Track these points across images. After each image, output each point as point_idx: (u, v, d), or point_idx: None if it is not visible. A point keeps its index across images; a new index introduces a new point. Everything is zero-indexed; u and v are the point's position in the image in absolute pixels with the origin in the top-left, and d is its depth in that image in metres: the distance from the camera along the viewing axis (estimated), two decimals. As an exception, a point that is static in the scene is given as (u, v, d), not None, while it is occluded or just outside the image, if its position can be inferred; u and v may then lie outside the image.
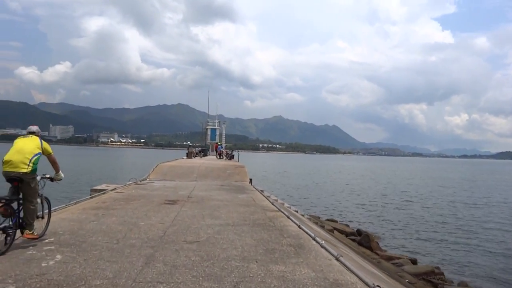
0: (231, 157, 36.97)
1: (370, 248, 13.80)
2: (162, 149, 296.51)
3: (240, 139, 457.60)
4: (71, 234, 6.39)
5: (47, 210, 6.43)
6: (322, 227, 14.94)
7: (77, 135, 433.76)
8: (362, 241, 14.39)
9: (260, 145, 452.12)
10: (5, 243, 5.17)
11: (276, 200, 14.65)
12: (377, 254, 13.24)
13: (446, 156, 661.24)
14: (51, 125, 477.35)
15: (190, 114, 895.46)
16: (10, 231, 5.25)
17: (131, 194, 12.15)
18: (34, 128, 6.06)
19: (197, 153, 41.11)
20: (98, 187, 15.50)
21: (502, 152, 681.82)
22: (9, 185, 5.55)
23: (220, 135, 51.87)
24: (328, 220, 20.03)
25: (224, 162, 29.65)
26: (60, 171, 6.39)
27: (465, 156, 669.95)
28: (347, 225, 19.63)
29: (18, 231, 5.52)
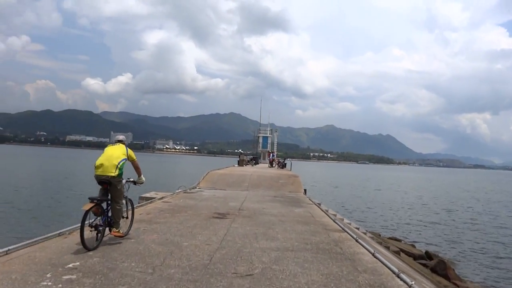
0: (283, 165, 35.93)
1: (446, 277, 11.81)
2: (214, 156, 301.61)
3: (291, 148, 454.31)
4: (102, 258, 5.38)
5: (131, 211, 7.19)
6: (387, 247, 13.17)
7: (135, 142, 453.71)
8: (437, 268, 12.39)
9: (311, 154, 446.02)
10: (96, 239, 5.89)
11: (335, 215, 13.15)
12: (456, 285, 11.27)
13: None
14: (112, 132, 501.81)
15: (242, 122, 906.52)
16: (100, 229, 5.99)
17: (178, 205, 11.26)
18: (121, 137, 6.88)
19: (248, 161, 40.22)
20: (147, 195, 14.89)
21: None
22: (99, 187, 6.27)
23: (272, 143, 51.20)
24: (390, 238, 18.03)
25: (276, 170, 28.65)
26: (142, 176, 7.15)
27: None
28: (413, 245, 17.48)
29: (107, 229, 6.28)
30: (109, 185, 6.24)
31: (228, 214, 9.79)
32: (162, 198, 13.06)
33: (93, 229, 5.83)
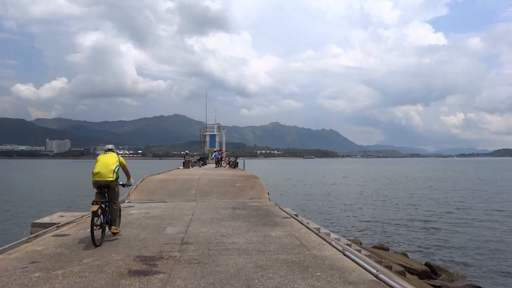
0: (235, 165, 32.10)
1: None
2: (160, 159, 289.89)
3: (238, 147, 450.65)
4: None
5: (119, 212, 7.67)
6: (389, 267, 9.62)
7: (73, 149, 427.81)
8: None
9: (258, 152, 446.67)
10: (101, 236, 6.74)
11: (319, 230, 9.33)
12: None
13: (444, 156, 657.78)
14: (47, 140, 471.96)
15: (187, 124, 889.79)
16: (104, 226, 6.96)
17: (73, 243, 6.73)
18: (111, 146, 7.85)
19: (195, 162, 36.53)
20: (46, 219, 10.12)
21: (499, 150, 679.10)
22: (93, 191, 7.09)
23: (220, 142, 47.65)
24: (375, 247, 14.63)
25: (229, 171, 24.64)
26: (131, 179, 8.16)
27: (463, 155, 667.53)
28: (405, 255, 14.19)
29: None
30: (107, 189, 7.13)
31: (160, 260, 5.48)
32: (62, 225, 8.45)
33: (98, 227, 6.68)
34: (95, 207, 6.59)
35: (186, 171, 25.54)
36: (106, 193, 7.11)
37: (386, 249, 14.69)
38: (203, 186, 14.84)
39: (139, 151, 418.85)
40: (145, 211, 10.45)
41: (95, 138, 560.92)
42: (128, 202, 12.57)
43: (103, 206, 6.96)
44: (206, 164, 38.57)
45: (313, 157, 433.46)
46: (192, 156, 39.77)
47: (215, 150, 38.94)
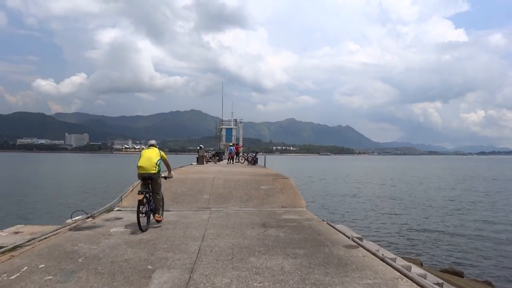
0: (254, 161, 28.37)
1: None
2: (176, 154, 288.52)
3: (253, 142, 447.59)
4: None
5: (162, 201, 8.32)
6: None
7: (91, 143, 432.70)
8: None
9: (274, 148, 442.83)
10: (146, 223, 7.41)
11: (409, 268, 5.82)
12: None
13: (463, 154, 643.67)
14: (66, 134, 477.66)
15: (203, 119, 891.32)
16: (149, 213, 7.60)
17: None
18: (153, 141, 8.50)
19: (210, 158, 33.28)
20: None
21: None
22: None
23: (237, 136, 44.88)
24: (447, 272, 11.03)
25: (249, 168, 21.24)
26: (172, 171, 9.00)
27: (482, 153, 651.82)
28: (490, 284, 10.56)
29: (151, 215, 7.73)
30: (151, 180, 7.69)
31: None
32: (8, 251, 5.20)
33: (143, 215, 7.31)
34: (140, 196, 7.25)
35: (199, 167, 22.49)
36: (150, 184, 7.70)
37: (460, 275, 11.11)
38: (218, 189, 11.52)
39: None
40: (133, 229, 7.18)
41: (112, 133, 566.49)
42: (118, 210, 9.37)
43: (147, 196, 7.51)
44: (222, 160, 35.95)
45: (329, 153, 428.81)
46: (207, 151, 36.84)
47: (230, 144, 36.36)
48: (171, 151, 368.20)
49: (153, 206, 7.76)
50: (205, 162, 29.34)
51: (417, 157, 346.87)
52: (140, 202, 7.14)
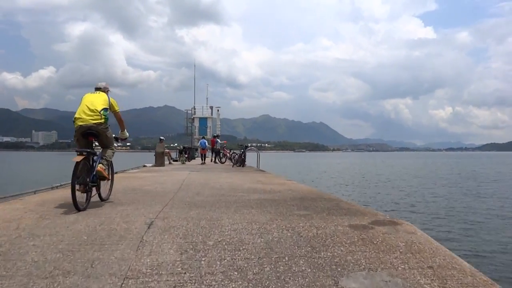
0: (242, 161, 19.12)
1: None
2: (149, 151, 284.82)
3: (228, 139, 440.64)
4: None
5: (111, 174, 6.30)
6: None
7: (60, 141, 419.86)
8: None
9: (249, 145, 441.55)
10: (86, 199, 5.28)
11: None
12: None
13: (433, 150, 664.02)
14: (33, 131, 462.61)
15: (177, 115, 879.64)
16: (89, 186, 5.32)
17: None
18: (103, 84, 6.00)
19: (178, 156, 25.62)
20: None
21: (486, 144, 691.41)
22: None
23: (213, 127, 37.56)
24: None
25: (240, 175, 12.15)
26: (126, 130, 6.46)
27: (451, 149, 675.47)
28: None
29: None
30: (97, 137, 5.54)
31: None
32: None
33: (81, 186, 5.12)
34: (78, 158, 5.04)
35: (151, 175, 12.30)
36: (94, 142, 5.67)
37: None
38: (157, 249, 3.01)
39: (128, 144, 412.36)
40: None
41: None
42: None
43: (89, 159, 5.34)
44: (194, 159, 28.85)
45: (304, 150, 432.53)
46: (169, 147, 27.48)
47: (202, 137, 28.28)
48: (144, 148, 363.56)
49: (96, 176, 5.37)
50: (168, 162, 21.72)
51: (390, 154, 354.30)
52: (76, 168, 4.91)
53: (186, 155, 25.38)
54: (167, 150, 22.31)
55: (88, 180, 5.26)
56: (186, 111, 41.48)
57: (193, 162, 25.89)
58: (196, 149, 31.26)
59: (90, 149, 5.41)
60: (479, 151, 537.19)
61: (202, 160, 23.41)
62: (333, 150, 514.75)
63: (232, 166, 18.88)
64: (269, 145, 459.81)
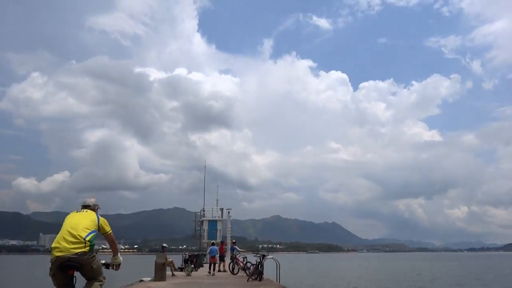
0: (259, 273, 15.90)
1: None
2: (156, 254, 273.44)
3: (238, 241, 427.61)
4: None
5: None
6: None
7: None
8: None
9: (260, 246, 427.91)
10: None
11: None
12: None
13: (454, 250, 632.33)
14: (41, 234, 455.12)
15: (187, 217, 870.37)
16: None
17: None
18: (92, 200, 5.19)
19: (183, 265, 22.80)
20: None
21: (509, 244, 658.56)
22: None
23: (223, 231, 34.85)
24: None
25: None
26: (119, 254, 5.39)
27: (472, 250, 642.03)
28: None
29: None
30: (80, 269, 4.37)
31: None
32: None
33: None
34: None
35: None
36: (75, 276, 4.40)
37: None
38: None
39: (135, 246, 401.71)
40: None
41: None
42: None
43: None
44: (202, 266, 26.44)
45: (317, 251, 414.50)
46: (166, 251, 21.22)
47: (212, 242, 25.98)
48: (151, 250, 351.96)
49: None
50: (171, 273, 19.02)
51: (410, 254, 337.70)
52: None
53: (192, 265, 22.69)
54: (170, 259, 19.58)
55: None
56: (195, 213, 39.48)
57: (200, 271, 23.64)
58: (205, 255, 28.33)
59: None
60: (503, 251, 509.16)
61: (210, 269, 20.68)
62: (348, 250, 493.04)
63: (247, 280, 15.48)
64: (281, 246, 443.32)
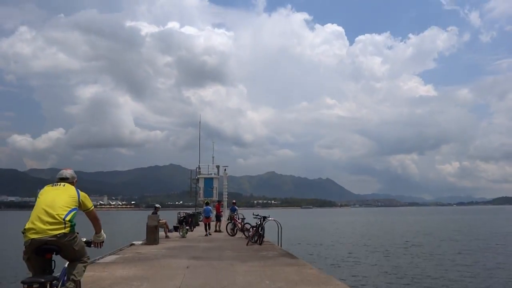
0: (260, 235, 14.90)
1: None
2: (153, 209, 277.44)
3: (234, 197, 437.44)
4: None
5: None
6: None
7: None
8: None
9: (255, 202, 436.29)
10: None
11: None
12: None
13: (443, 204, 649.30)
14: (38, 191, 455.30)
15: (183, 174, 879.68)
16: None
17: None
18: (68, 172, 4.45)
19: (179, 224, 21.09)
20: None
21: (497, 198, 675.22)
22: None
23: (219, 188, 34.76)
24: None
25: (270, 271, 8.32)
26: (102, 231, 4.63)
27: (461, 204, 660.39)
28: None
29: None
30: (60, 252, 3.90)
31: None
32: None
33: None
34: None
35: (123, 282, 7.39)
36: (53, 260, 3.89)
37: None
38: None
39: (133, 202, 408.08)
40: None
41: (88, 188, 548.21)
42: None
43: None
44: (198, 225, 25.44)
45: (311, 207, 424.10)
46: (157, 209, 18.60)
47: (206, 201, 24.63)
48: (148, 206, 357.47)
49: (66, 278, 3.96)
50: (165, 235, 17.95)
51: (401, 209, 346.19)
52: None
53: (186, 226, 20.95)
54: (163, 221, 18.34)
55: None
56: (190, 171, 39.22)
57: (196, 231, 22.76)
58: (200, 213, 27.98)
59: (46, 274, 3.76)
60: (491, 205, 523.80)
61: (206, 231, 20.23)
62: (341, 205, 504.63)
63: (247, 244, 14.61)
64: (275, 202, 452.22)
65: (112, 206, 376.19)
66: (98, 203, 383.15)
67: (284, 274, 7.87)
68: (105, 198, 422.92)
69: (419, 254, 24.66)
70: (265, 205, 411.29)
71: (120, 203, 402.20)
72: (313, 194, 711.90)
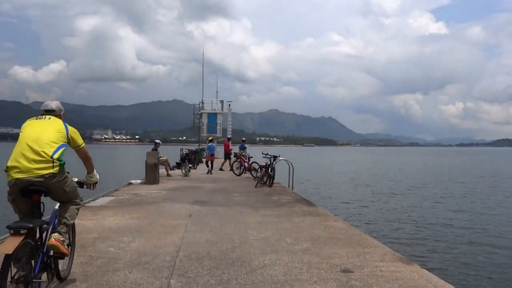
0: (269, 176, 13.50)
1: None
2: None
3: (236, 133, 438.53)
4: None
5: (73, 241, 3.94)
6: None
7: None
8: None
9: (257, 139, 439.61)
10: None
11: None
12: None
13: (443, 145, 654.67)
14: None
15: (186, 109, 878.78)
16: (34, 284, 3.06)
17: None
18: (54, 104, 3.81)
19: (181, 161, 20.48)
20: None
21: (498, 140, 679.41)
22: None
23: (222, 124, 33.37)
24: None
25: (287, 221, 6.89)
26: (95, 171, 4.01)
27: (462, 145, 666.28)
28: None
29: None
30: (49, 193, 3.38)
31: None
32: None
33: (20, 285, 2.86)
34: (11, 245, 2.75)
35: (117, 230, 6.15)
36: (42, 202, 3.38)
37: None
38: None
39: (137, 136, 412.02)
40: None
41: (92, 123, 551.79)
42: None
43: (31, 240, 3.00)
44: (202, 162, 24.03)
45: (313, 145, 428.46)
46: (157, 146, 16.86)
47: (210, 138, 23.44)
48: (152, 141, 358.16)
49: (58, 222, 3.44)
50: (167, 173, 16.93)
51: (401, 149, 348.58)
52: (7, 265, 2.72)
53: (189, 164, 19.57)
54: (164, 158, 16.94)
55: (32, 274, 3.01)
56: (193, 105, 37.65)
57: (199, 168, 21.45)
58: (204, 150, 26.75)
59: (35, 217, 3.23)
60: (491, 147, 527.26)
61: (208, 167, 19.10)
62: (342, 144, 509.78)
63: (255, 186, 13.21)
64: (277, 139, 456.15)
65: (117, 140, 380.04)
66: (103, 137, 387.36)
67: (305, 228, 6.49)
68: (110, 132, 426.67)
69: (428, 196, 23.69)
70: (266, 142, 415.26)
71: (125, 137, 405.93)
72: (315, 132, 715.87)
